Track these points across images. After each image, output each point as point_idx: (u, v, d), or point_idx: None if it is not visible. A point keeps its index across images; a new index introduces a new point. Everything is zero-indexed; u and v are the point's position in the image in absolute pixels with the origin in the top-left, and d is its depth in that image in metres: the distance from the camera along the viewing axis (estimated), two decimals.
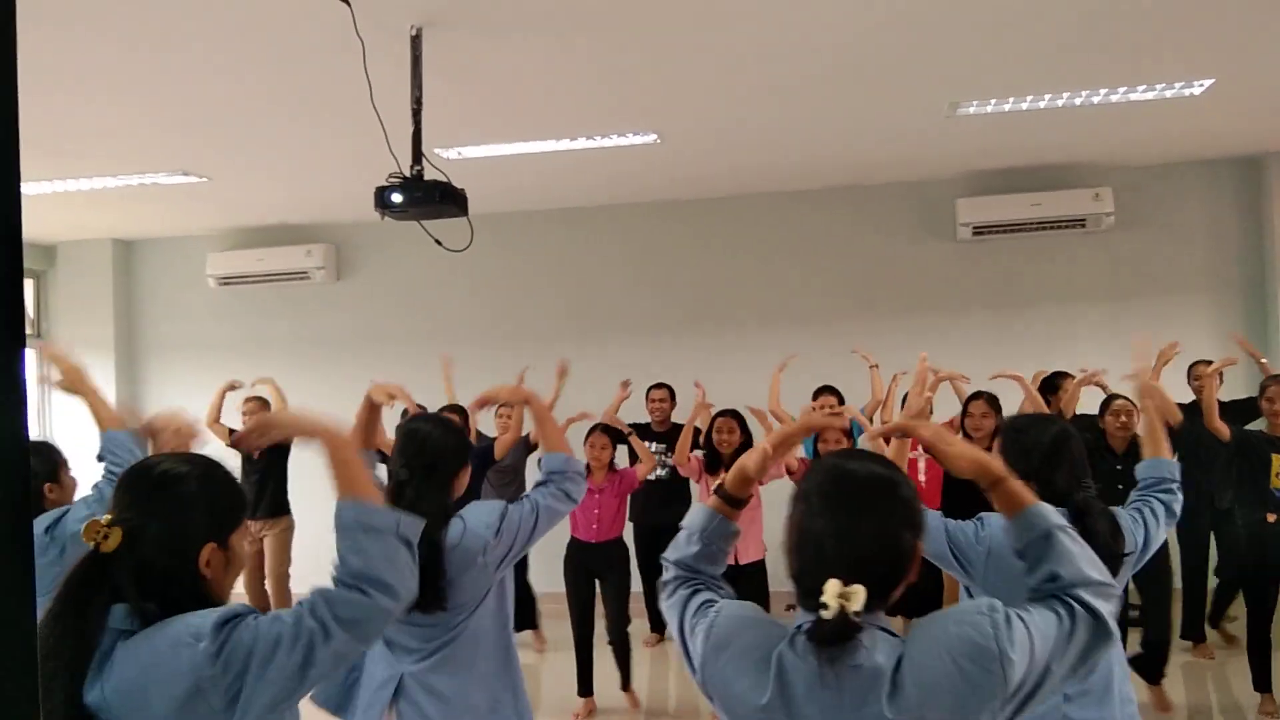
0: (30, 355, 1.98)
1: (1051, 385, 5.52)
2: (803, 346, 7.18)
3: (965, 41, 4.17)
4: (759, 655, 1.38)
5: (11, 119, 0.78)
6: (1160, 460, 2.57)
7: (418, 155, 3.87)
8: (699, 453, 5.29)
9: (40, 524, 2.59)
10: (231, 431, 6.45)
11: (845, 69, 4.46)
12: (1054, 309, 6.99)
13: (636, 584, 5.93)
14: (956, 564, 2.38)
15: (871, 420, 5.51)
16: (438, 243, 4.17)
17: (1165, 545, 4.70)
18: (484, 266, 7.23)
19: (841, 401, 6.33)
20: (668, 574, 1.65)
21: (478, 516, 2.49)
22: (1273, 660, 4.72)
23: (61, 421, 7.99)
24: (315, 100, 4.55)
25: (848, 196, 7.21)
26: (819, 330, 7.22)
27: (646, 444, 5.65)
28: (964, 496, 4.93)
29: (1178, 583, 5.45)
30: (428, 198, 3.78)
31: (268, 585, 6.47)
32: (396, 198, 3.76)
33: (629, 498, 5.37)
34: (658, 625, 6.43)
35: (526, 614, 6.22)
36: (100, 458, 2.67)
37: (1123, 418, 4.79)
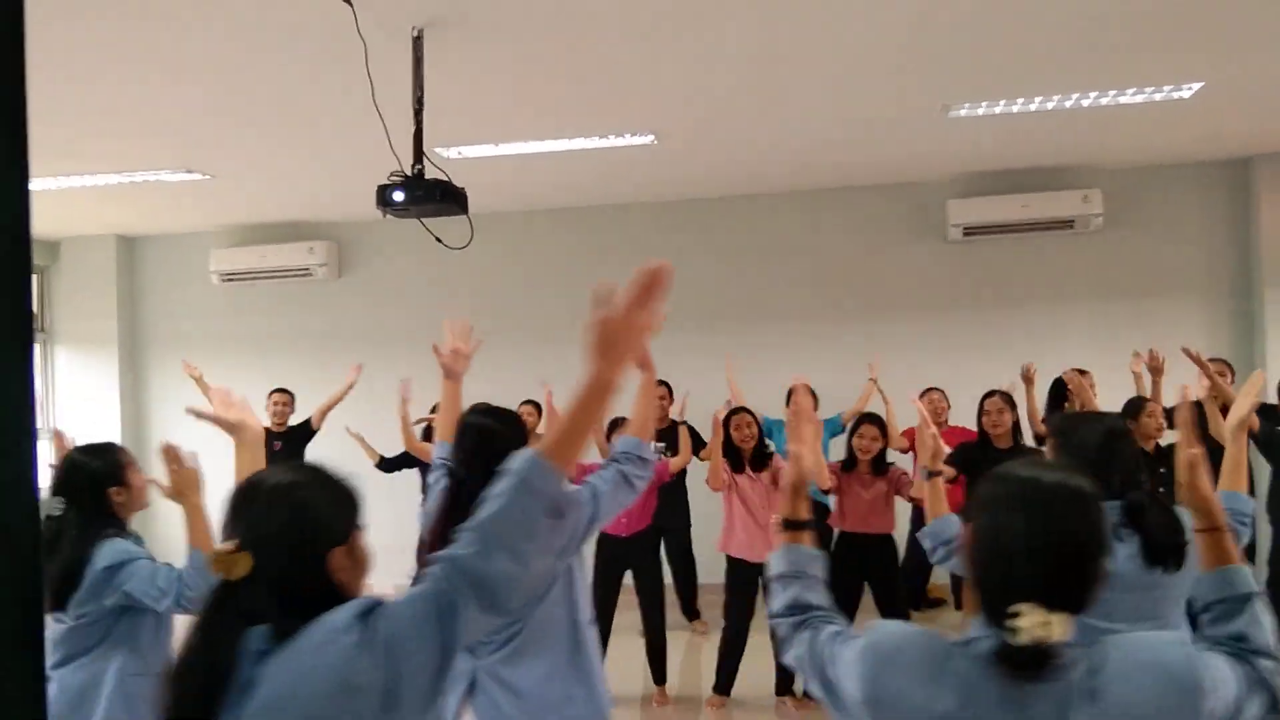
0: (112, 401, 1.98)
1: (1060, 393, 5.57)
2: (794, 345, 7.28)
3: (958, 44, 4.24)
4: (934, 665, 1.33)
5: (20, 124, 0.82)
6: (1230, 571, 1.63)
7: (419, 154, 3.94)
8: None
9: (104, 557, 2.52)
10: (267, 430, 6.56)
11: (839, 71, 4.53)
12: (1043, 309, 7.06)
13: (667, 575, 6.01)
14: None
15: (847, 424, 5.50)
16: (438, 241, 4.25)
17: None
18: (484, 265, 7.30)
19: (816, 399, 6.39)
20: (781, 629, 1.57)
21: None
22: None
23: (64, 421, 8.06)
24: (318, 99, 4.62)
25: (840, 197, 7.29)
26: (810, 329, 7.30)
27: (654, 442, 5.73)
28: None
29: None
30: (429, 196, 3.86)
31: None
32: (398, 196, 3.84)
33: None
34: (692, 613, 6.53)
35: None
36: (180, 575, 2.55)
37: (1159, 420, 4.77)
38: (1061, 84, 4.87)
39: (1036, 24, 4.02)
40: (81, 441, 2.80)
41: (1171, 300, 6.92)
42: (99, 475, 2.65)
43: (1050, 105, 5.16)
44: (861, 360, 7.15)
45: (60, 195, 6.35)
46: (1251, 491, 5.18)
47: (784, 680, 5.04)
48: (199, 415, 1.98)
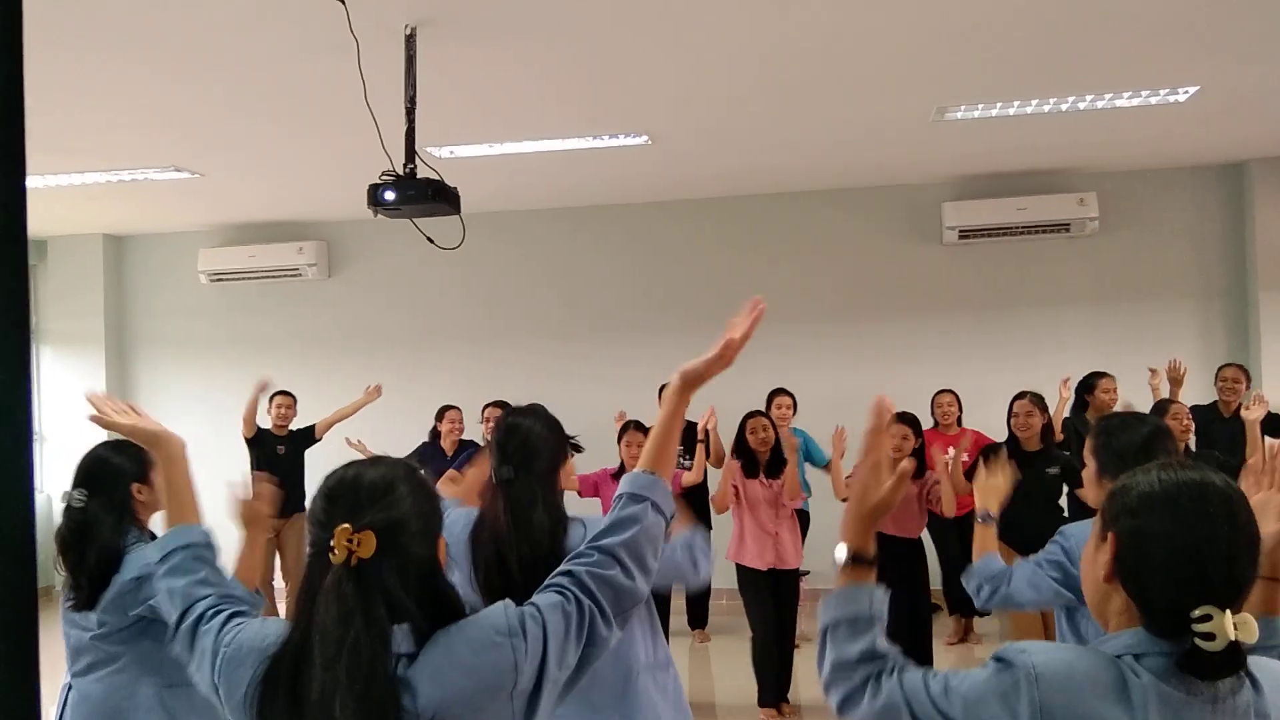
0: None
1: (1088, 386, 5.55)
2: (789, 348, 7.24)
3: (953, 47, 4.22)
4: (1116, 684, 1.25)
5: (18, 126, 0.79)
6: None
7: (411, 153, 3.90)
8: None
9: (133, 567, 2.45)
10: (260, 430, 6.51)
11: (835, 73, 4.51)
12: (1038, 312, 7.05)
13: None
14: (1072, 597, 2.29)
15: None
16: (430, 240, 4.21)
17: None
18: (475, 265, 7.26)
19: (795, 404, 6.35)
20: (844, 684, 1.41)
21: (597, 524, 2.35)
22: None
23: (50, 421, 7.98)
24: (309, 98, 4.58)
25: (835, 199, 7.27)
26: (805, 331, 7.27)
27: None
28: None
29: None
30: (420, 195, 3.82)
31: (280, 582, 6.49)
32: (389, 195, 3.80)
33: None
34: (700, 622, 6.43)
35: None
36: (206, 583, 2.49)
37: (1185, 421, 4.75)
38: (1058, 87, 4.85)
39: (1033, 27, 4.01)
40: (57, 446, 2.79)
41: (1166, 303, 6.92)
42: (125, 471, 2.59)
43: (1046, 108, 5.15)
44: (857, 363, 7.16)
45: (47, 193, 6.28)
46: None
47: (764, 691, 4.93)
48: (106, 425, 1.89)
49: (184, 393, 8.02)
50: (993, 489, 2.66)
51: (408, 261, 7.58)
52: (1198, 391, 5.93)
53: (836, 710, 1.42)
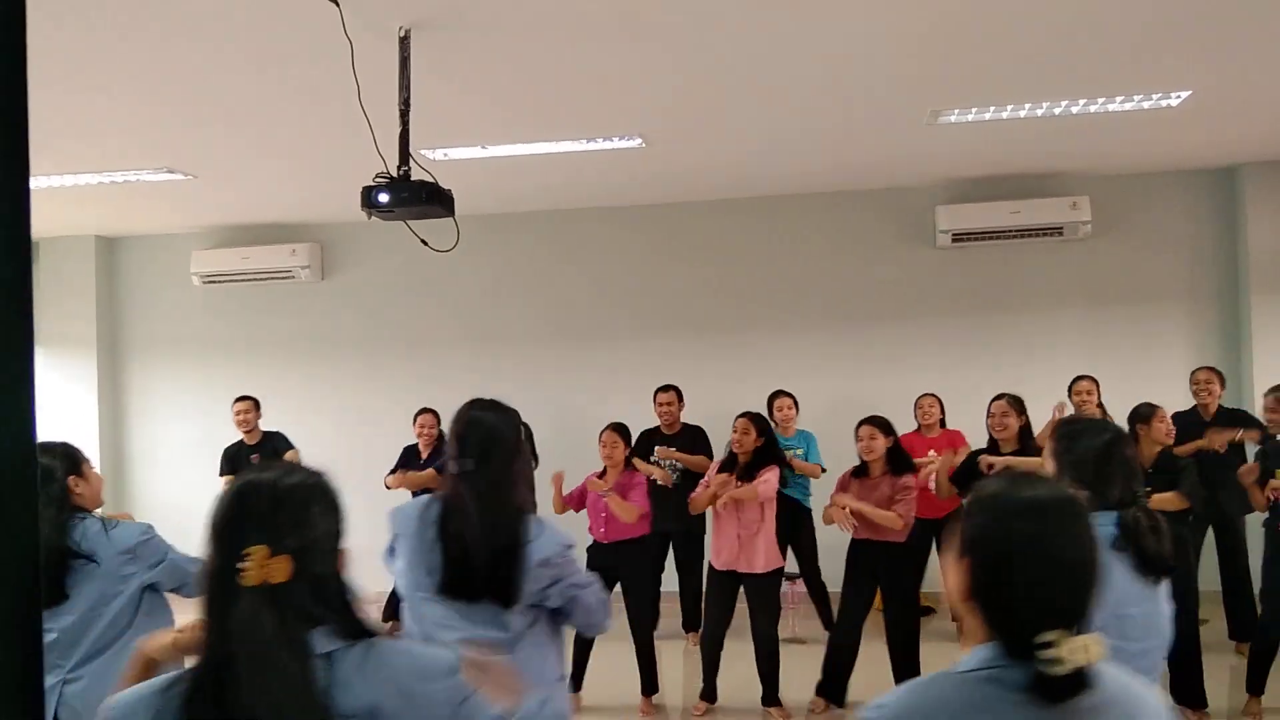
0: None
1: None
2: (783, 351, 7.26)
3: (947, 51, 4.23)
4: (960, 704, 1.29)
5: (22, 130, 0.79)
6: None
7: (405, 155, 3.89)
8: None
9: (120, 540, 2.69)
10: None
11: (829, 77, 4.52)
12: (1031, 316, 7.07)
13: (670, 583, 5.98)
14: None
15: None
16: (424, 243, 4.20)
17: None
18: (470, 267, 7.25)
19: (796, 403, 6.36)
20: None
21: (553, 528, 2.40)
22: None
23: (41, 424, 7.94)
24: (302, 99, 4.57)
25: (828, 202, 7.27)
26: (798, 335, 7.28)
27: (655, 462, 5.70)
28: None
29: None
30: (414, 198, 3.81)
31: None
32: (383, 197, 3.79)
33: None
34: (691, 624, 6.37)
35: None
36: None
37: (1167, 425, 4.76)
38: (1051, 91, 4.87)
39: (1026, 31, 4.01)
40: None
41: (1158, 307, 6.94)
42: (56, 469, 2.74)
43: (1039, 112, 5.17)
44: (852, 366, 7.16)
45: (39, 195, 6.24)
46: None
47: (770, 691, 5.00)
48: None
49: (176, 395, 8.00)
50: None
51: (401, 264, 7.56)
52: (1188, 398, 5.94)
53: None
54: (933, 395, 6.24)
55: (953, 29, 3.97)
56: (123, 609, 2.66)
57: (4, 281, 0.79)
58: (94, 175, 5.87)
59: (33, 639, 0.81)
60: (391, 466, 6.22)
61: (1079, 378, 5.96)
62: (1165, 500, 4.29)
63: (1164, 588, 2.20)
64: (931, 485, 5.17)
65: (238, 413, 6.51)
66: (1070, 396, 5.90)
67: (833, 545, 5.49)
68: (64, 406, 7.85)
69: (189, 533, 2.30)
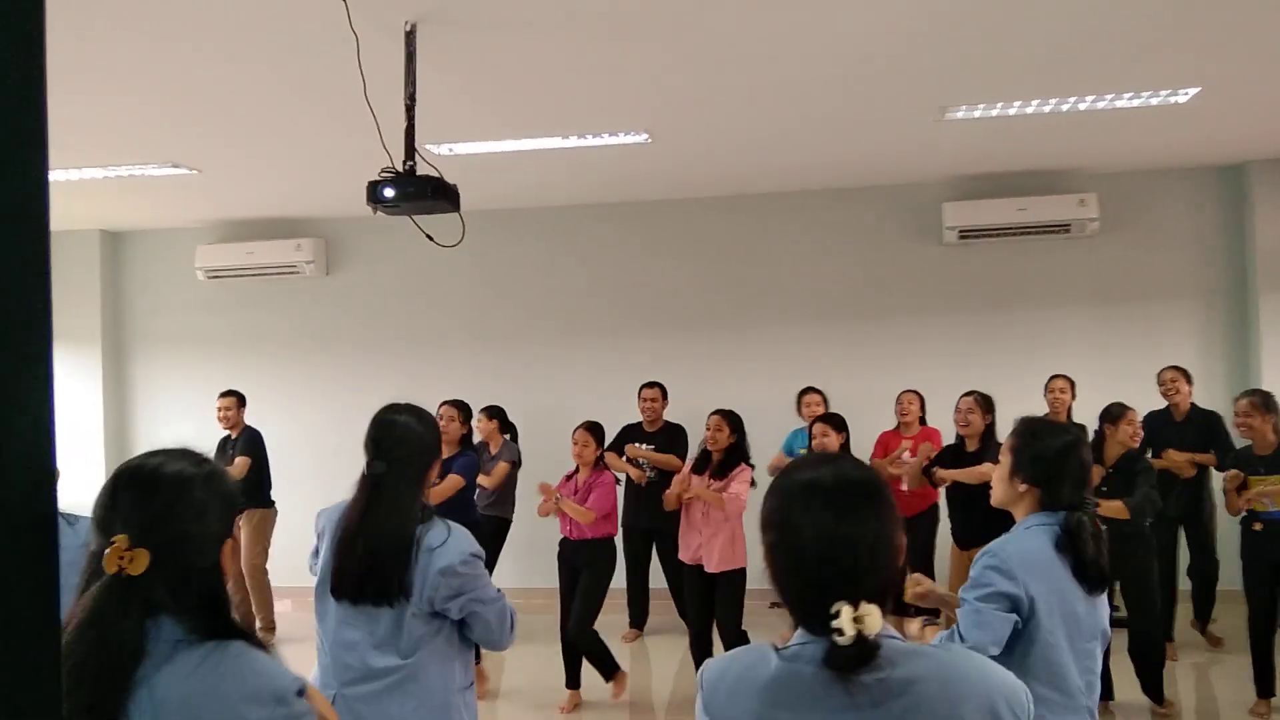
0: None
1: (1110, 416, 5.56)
2: (788, 348, 7.24)
3: (955, 47, 4.21)
4: (757, 678, 1.33)
5: (40, 134, 0.78)
6: None
7: (410, 150, 3.88)
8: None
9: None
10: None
11: (836, 73, 4.50)
12: (1038, 313, 7.05)
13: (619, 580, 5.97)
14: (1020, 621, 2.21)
15: None
16: (429, 238, 4.19)
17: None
18: (475, 263, 7.23)
19: (826, 401, 6.37)
20: None
21: (460, 533, 2.40)
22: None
23: None
24: (308, 94, 4.56)
25: (835, 199, 7.25)
26: (804, 331, 7.27)
27: (626, 459, 5.71)
28: (971, 512, 4.99)
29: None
30: (420, 193, 3.80)
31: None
32: (389, 192, 3.78)
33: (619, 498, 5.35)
34: (638, 621, 6.46)
35: None
36: None
37: (1135, 427, 4.79)
38: (1058, 87, 4.84)
39: (1034, 27, 3.99)
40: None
41: (1166, 304, 6.91)
42: None
43: (1047, 108, 5.14)
44: (856, 363, 7.14)
45: None
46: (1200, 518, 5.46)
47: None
48: None
49: (180, 390, 8.00)
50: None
51: (406, 259, 7.55)
52: (1195, 396, 5.91)
53: None
54: (913, 392, 6.22)
55: (961, 25, 3.95)
56: None
57: (24, 278, 0.78)
58: (99, 170, 5.87)
59: (50, 638, 0.81)
60: None
61: (1054, 376, 6.00)
62: (1111, 509, 4.35)
63: (1103, 603, 2.27)
64: (904, 486, 5.31)
65: (220, 408, 6.53)
66: (1045, 395, 5.95)
67: None
68: (68, 401, 7.85)
69: None
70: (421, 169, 3.88)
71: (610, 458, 5.38)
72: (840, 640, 1.23)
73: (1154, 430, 5.55)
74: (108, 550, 1.35)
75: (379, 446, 2.41)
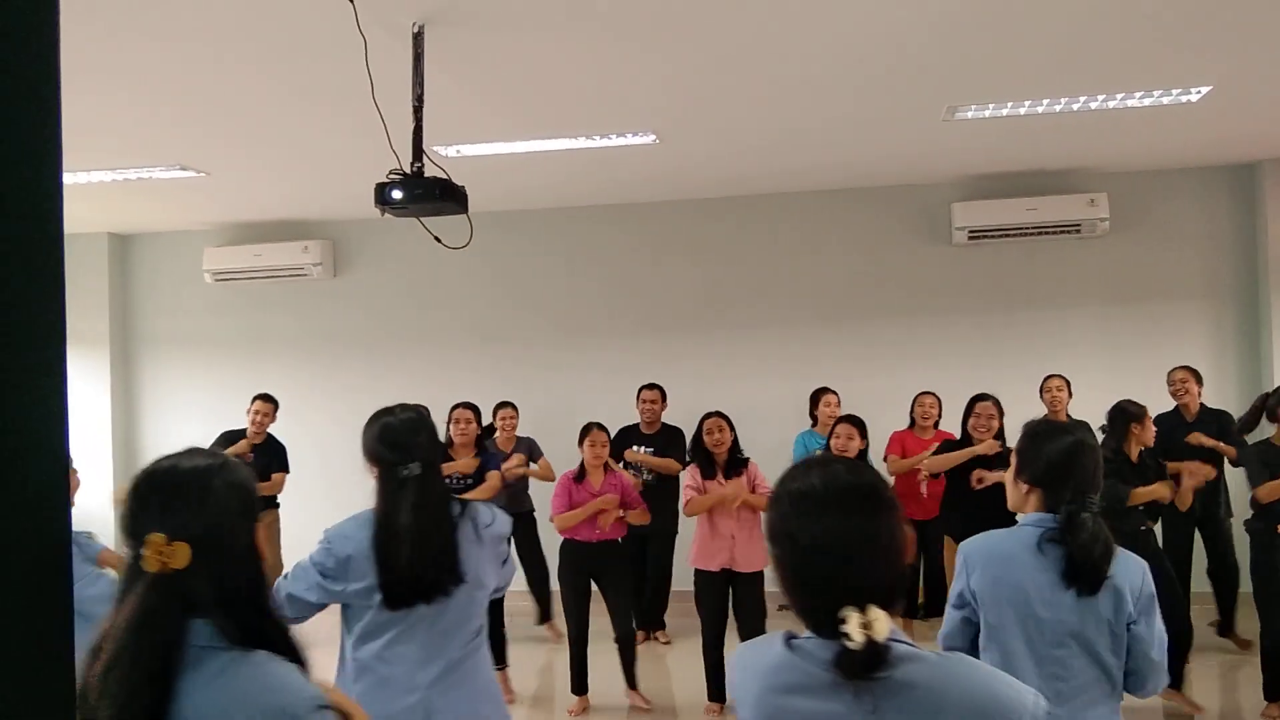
0: None
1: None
2: (797, 349, 7.22)
3: (964, 46, 4.19)
4: (779, 669, 1.36)
5: (55, 140, 0.78)
6: None
7: (418, 152, 3.87)
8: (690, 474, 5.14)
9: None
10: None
11: (844, 72, 4.48)
12: (1048, 313, 7.01)
13: None
14: (979, 620, 2.25)
15: None
16: (437, 240, 4.18)
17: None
18: (482, 264, 7.22)
19: (839, 400, 6.35)
20: None
21: (502, 516, 2.60)
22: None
23: None
24: (316, 96, 4.56)
25: (844, 199, 7.23)
26: (814, 333, 7.24)
27: (623, 466, 5.70)
28: (966, 509, 4.98)
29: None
30: (428, 194, 3.79)
31: None
32: (397, 194, 3.77)
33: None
34: (643, 624, 6.41)
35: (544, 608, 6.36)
36: None
37: (1148, 429, 4.76)
38: (1068, 86, 4.81)
39: (1044, 26, 3.97)
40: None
41: (1177, 305, 6.88)
42: None
43: (1057, 108, 5.11)
44: (866, 365, 7.12)
45: None
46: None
47: (717, 689, 4.93)
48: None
49: (188, 392, 8.01)
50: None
51: (414, 261, 7.55)
52: (1206, 396, 5.87)
53: None
54: (933, 395, 6.19)
55: (970, 24, 3.93)
56: None
57: (39, 280, 0.78)
58: (107, 173, 5.87)
59: (62, 637, 0.81)
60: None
61: (1049, 376, 6.00)
62: (1148, 493, 4.43)
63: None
64: (923, 489, 5.28)
65: (256, 411, 6.41)
66: (1041, 395, 5.94)
67: None
68: (77, 403, 7.87)
69: None
70: (429, 170, 3.88)
71: (608, 462, 5.37)
72: (850, 645, 1.25)
73: (1165, 431, 5.51)
74: (145, 551, 1.35)
75: (410, 449, 2.39)
